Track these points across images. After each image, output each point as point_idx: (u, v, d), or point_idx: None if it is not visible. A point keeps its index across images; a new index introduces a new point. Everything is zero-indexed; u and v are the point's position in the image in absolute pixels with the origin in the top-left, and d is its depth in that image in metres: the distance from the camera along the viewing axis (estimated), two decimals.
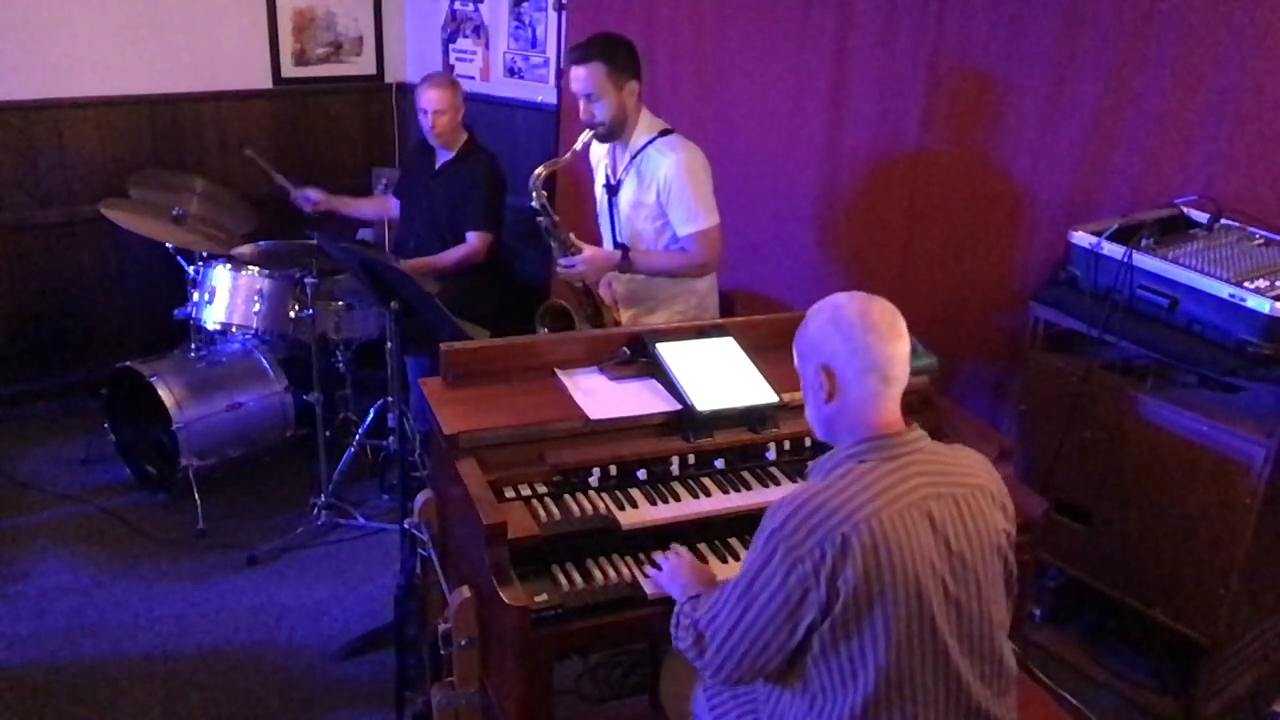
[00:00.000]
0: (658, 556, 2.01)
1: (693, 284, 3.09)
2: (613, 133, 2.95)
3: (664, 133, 2.96)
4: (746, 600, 1.61)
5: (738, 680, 1.68)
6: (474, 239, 3.76)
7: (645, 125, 2.97)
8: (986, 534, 1.65)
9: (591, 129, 2.91)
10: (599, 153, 3.14)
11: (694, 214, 2.91)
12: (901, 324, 1.70)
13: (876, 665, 1.56)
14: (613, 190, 3.06)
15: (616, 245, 3.09)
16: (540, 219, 2.96)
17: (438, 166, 3.86)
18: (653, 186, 2.94)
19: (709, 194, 2.94)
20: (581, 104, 2.90)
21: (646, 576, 1.99)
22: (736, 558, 2.09)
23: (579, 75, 2.85)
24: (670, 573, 1.92)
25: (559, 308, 3.09)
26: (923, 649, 1.57)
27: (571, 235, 2.99)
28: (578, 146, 2.92)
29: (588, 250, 2.98)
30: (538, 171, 2.92)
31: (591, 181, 3.28)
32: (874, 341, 1.65)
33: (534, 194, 2.92)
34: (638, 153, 2.96)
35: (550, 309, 3.11)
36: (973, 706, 1.64)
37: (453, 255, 3.76)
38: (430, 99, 3.69)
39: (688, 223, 2.92)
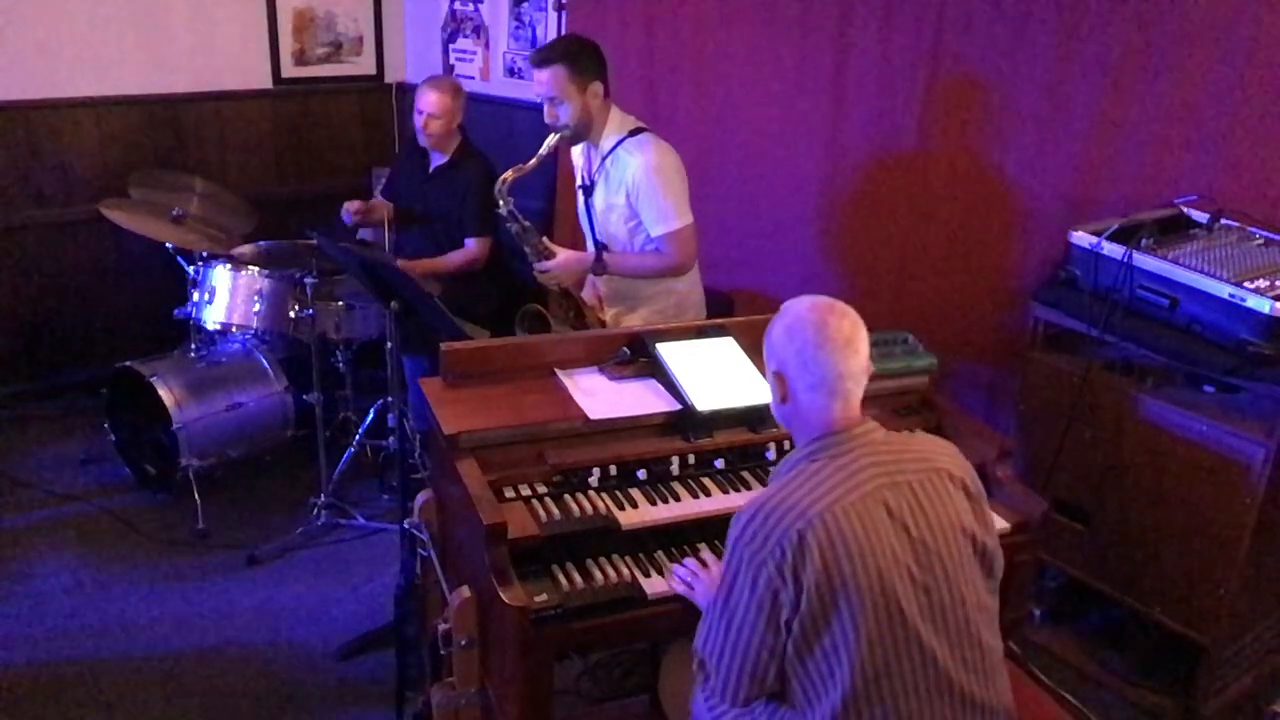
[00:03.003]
0: (686, 564, 1.99)
1: (672, 283, 3.05)
2: (579, 135, 2.92)
3: (634, 132, 2.92)
4: (728, 615, 1.62)
5: (746, 699, 1.66)
6: (473, 245, 3.75)
7: (615, 125, 2.93)
8: (949, 516, 1.65)
9: (557, 132, 2.89)
10: (577, 153, 3.12)
11: (665, 214, 2.87)
12: (861, 337, 1.72)
13: (851, 660, 1.56)
14: (587, 191, 3.04)
15: (597, 245, 3.07)
16: (510, 225, 2.94)
17: (431, 170, 3.84)
18: (621, 188, 2.90)
19: (681, 194, 2.90)
20: (545, 107, 2.88)
21: (655, 577, 1.98)
22: None
23: (541, 78, 2.83)
24: (705, 591, 1.90)
25: (535, 312, 3.04)
26: (894, 638, 1.57)
27: (545, 239, 2.98)
28: (543, 151, 2.88)
29: (561, 254, 2.98)
30: (504, 177, 2.89)
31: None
32: (825, 357, 1.68)
33: (500, 201, 2.91)
34: (608, 154, 2.93)
35: (527, 313, 3.08)
36: (955, 692, 1.63)
37: (454, 259, 3.75)
38: (428, 101, 3.67)
39: (659, 223, 2.89)
